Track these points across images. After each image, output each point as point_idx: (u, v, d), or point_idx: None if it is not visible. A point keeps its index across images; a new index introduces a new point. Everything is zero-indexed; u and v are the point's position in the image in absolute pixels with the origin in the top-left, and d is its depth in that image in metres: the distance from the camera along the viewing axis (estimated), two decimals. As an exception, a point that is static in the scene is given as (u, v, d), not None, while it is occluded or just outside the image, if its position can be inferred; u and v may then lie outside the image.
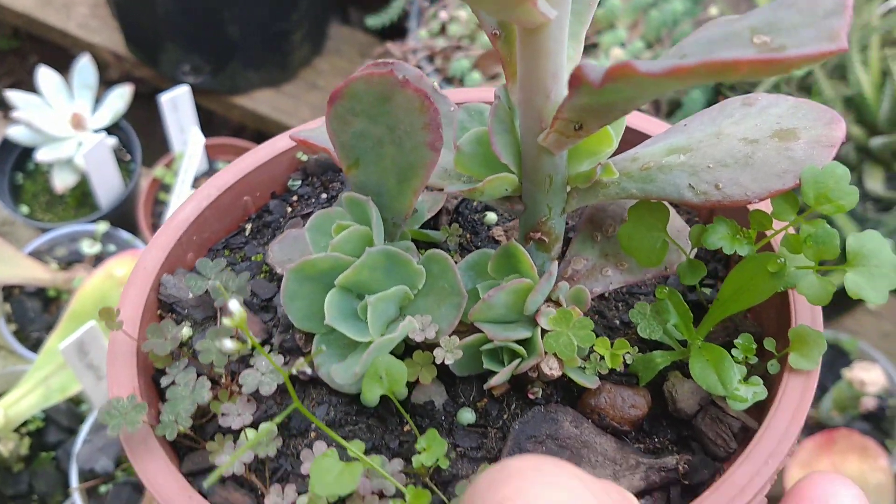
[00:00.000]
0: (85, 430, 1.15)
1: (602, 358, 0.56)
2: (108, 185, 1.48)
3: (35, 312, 1.35)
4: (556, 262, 0.54)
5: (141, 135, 1.62)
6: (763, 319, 0.61)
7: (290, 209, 0.69)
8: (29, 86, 1.55)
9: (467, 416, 0.56)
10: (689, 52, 0.40)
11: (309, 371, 0.54)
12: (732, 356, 0.53)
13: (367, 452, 0.53)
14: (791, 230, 0.52)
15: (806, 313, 0.55)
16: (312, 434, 0.55)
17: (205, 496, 0.51)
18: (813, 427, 1.43)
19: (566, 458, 0.52)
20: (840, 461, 1.32)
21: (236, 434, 0.52)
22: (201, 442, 0.54)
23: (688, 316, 0.56)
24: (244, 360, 0.58)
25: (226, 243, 0.67)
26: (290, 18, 1.76)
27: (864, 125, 1.47)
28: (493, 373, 0.55)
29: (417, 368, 0.54)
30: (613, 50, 1.47)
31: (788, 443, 0.50)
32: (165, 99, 1.46)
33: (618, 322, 0.61)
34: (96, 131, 1.55)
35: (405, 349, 0.57)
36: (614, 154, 0.56)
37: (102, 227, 1.41)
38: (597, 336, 0.55)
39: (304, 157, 0.71)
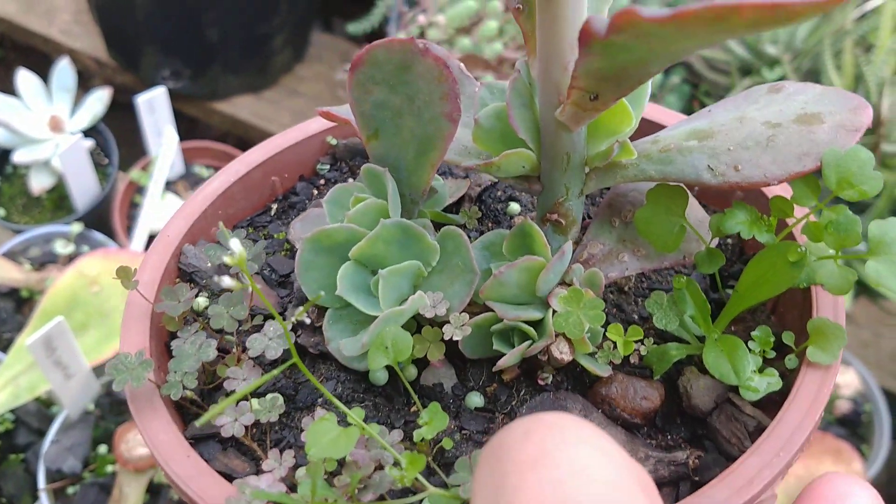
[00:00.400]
0: (53, 430, 1.14)
1: (615, 346, 0.54)
2: (84, 188, 1.48)
3: (7, 313, 1.35)
4: (571, 244, 0.53)
5: (121, 143, 1.62)
6: (787, 320, 0.59)
7: (316, 192, 0.70)
8: (10, 91, 1.56)
9: (475, 399, 0.55)
10: (698, 3, 0.40)
11: (309, 321, 0.54)
12: (749, 348, 0.52)
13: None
14: (812, 218, 0.51)
15: (828, 307, 0.53)
16: (318, 409, 0.54)
17: (206, 461, 0.51)
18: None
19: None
20: (814, 464, 1.28)
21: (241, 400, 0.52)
22: (206, 409, 0.55)
23: (706, 308, 0.54)
24: (252, 332, 0.58)
25: (250, 221, 0.68)
26: (271, 23, 1.76)
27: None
28: (502, 355, 0.54)
29: (426, 345, 0.54)
30: None
31: (802, 436, 0.48)
32: (142, 100, 1.47)
33: (636, 317, 0.60)
34: (74, 134, 1.55)
35: (417, 328, 0.57)
36: (635, 139, 0.55)
37: (77, 227, 1.42)
38: (611, 325, 0.53)
39: (334, 142, 0.72)
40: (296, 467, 0.49)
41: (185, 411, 0.54)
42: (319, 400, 0.54)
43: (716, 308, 0.58)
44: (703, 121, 0.54)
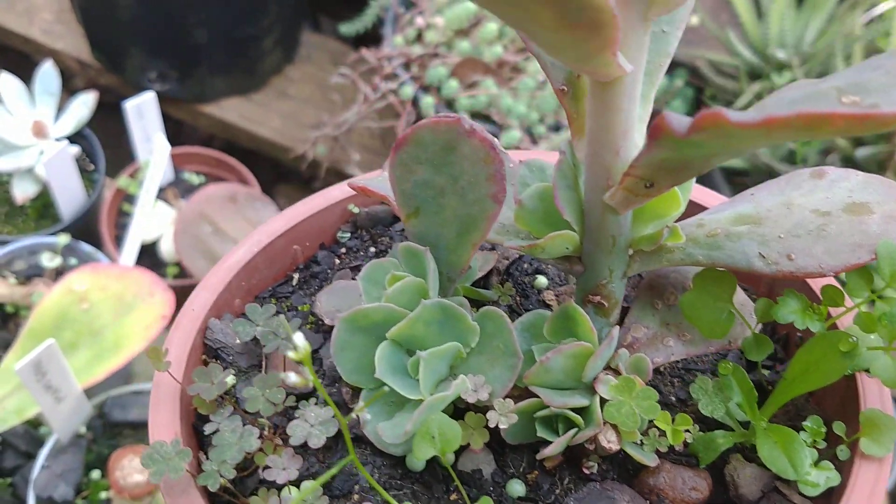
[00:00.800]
0: (43, 455, 1.09)
1: (662, 434, 0.53)
2: (70, 196, 1.43)
3: (-8, 330, 1.31)
4: (617, 328, 0.52)
5: (106, 145, 1.56)
6: (826, 404, 0.58)
7: (338, 261, 0.68)
8: None
9: (517, 488, 0.53)
10: (774, 109, 0.40)
11: (361, 416, 0.52)
12: (802, 440, 0.51)
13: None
14: (864, 308, 0.50)
15: (875, 396, 0.52)
16: (356, 497, 0.52)
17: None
18: None
19: (620, 535, 0.49)
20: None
21: (279, 489, 0.50)
22: (240, 497, 0.52)
23: (752, 395, 0.53)
24: (286, 413, 0.56)
25: (272, 291, 0.66)
26: (260, 24, 1.72)
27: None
28: (544, 442, 0.52)
29: (469, 431, 0.52)
30: None
31: (862, 533, 0.47)
32: (130, 105, 1.43)
33: (673, 399, 0.59)
34: (59, 140, 1.49)
35: (453, 411, 0.55)
36: (679, 220, 0.54)
37: (63, 239, 1.35)
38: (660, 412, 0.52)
39: (356, 210, 0.70)
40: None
41: (216, 498, 0.52)
42: (357, 487, 0.52)
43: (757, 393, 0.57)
44: (747, 205, 0.54)
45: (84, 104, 1.49)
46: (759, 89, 1.50)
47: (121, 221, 1.52)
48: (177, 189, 1.55)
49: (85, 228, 1.46)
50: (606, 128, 0.48)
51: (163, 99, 1.70)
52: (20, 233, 1.46)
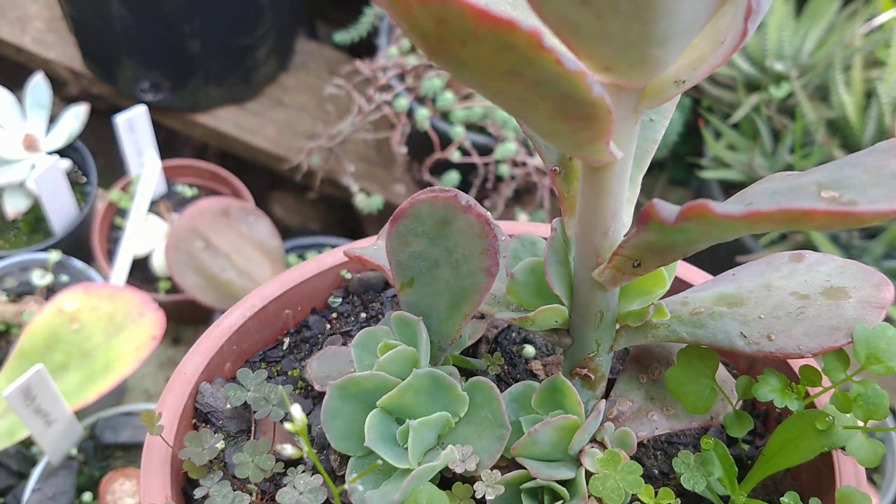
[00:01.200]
0: (34, 477, 1.08)
1: (642, 505, 0.54)
2: (61, 210, 1.42)
3: (-18, 348, 1.29)
4: (603, 401, 0.54)
5: (98, 153, 1.55)
6: (803, 479, 0.59)
7: (329, 326, 0.69)
8: None
9: (500, 558, 0.54)
10: (755, 201, 0.42)
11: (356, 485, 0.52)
12: (778, 514, 0.52)
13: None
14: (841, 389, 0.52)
15: (850, 474, 0.54)
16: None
17: None
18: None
19: None
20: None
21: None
22: (222, 560, 0.52)
23: (733, 470, 0.54)
24: (275, 480, 0.57)
25: (263, 356, 0.67)
26: (254, 33, 1.71)
27: (849, 149, 1.42)
28: (529, 512, 0.53)
29: (456, 502, 0.53)
30: None
31: None
32: (121, 120, 1.41)
33: (656, 472, 0.60)
34: (50, 153, 1.48)
35: (440, 480, 0.56)
36: (663, 297, 0.56)
37: (54, 256, 1.34)
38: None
39: (348, 276, 0.72)
40: None
41: (201, 567, 0.52)
42: (343, 557, 0.52)
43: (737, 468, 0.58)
44: (730, 285, 0.56)
45: (76, 117, 1.48)
46: (757, 101, 1.50)
47: (113, 235, 1.51)
48: (169, 202, 1.54)
49: (77, 242, 1.45)
50: (596, 209, 0.50)
51: (156, 109, 1.70)
52: (12, 247, 1.44)
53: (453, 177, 1.45)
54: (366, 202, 1.50)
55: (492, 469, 0.53)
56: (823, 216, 0.36)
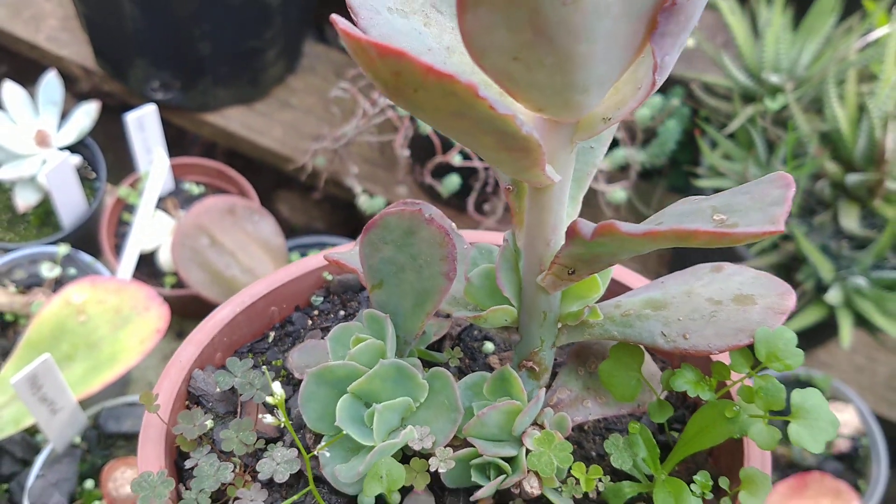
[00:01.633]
0: (38, 464, 1.12)
1: (577, 482, 0.62)
2: (71, 205, 1.46)
3: (-9, 338, 1.33)
4: (544, 390, 0.62)
5: (108, 149, 1.58)
6: (722, 462, 0.68)
7: (310, 322, 0.77)
8: None
9: (452, 524, 0.62)
10: (664, 220, 0.50)
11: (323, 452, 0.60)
12: (691, 490, 0.60)
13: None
14: (747, 382, 0.60)
15: (757, 458, 0.62)
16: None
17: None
18: (785, 467, 1.40)
19: (538, 568, 0.58)
20: (812, 506, 1.30)
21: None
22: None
23: (655, 451, 0.63)
24: (256, 455, 0.65)
25: (250, 347, 0.75)
26: (263, 36, 1.74)
27: (840, 162, 1.43)
28: (478, 486, 0.61)
29: (413, 474, 0.61)
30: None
31: (737, 571, 0.56)
32: (132, 118, 1.44)
33: (594, 454, 0.68)
34: (61, 149, 1.51)
35: (403, 457, 0.64)
36: (601, 300, 0.65)
37: (63, 249, 1.38)
38: (574, 462, 0.62)
39: (329, 277, 0.80)
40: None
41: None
42: (314, 520, 0.61)
43: (662, 449, 0.67)
44: (657, 291, 0.64)
45: (87, 114, 1.51)
46: (753, 112, 1.53)
47: (120, 230, 1.54)
48: (177, 199, 1.57)
49: (85, 237, 1.49)
50: (540, 223, 0.58)
51: (166, 107, 1.75)
52: (22, 240, 1.48)
53: (454, 180, 1.48)
54: (368, 203, 1.55)
55: (445, 447, 0.61)
56: (706, 235, 0.45)
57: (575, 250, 0.53)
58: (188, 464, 0.60)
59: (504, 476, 0.60)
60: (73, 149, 1.54)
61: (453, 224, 0.71)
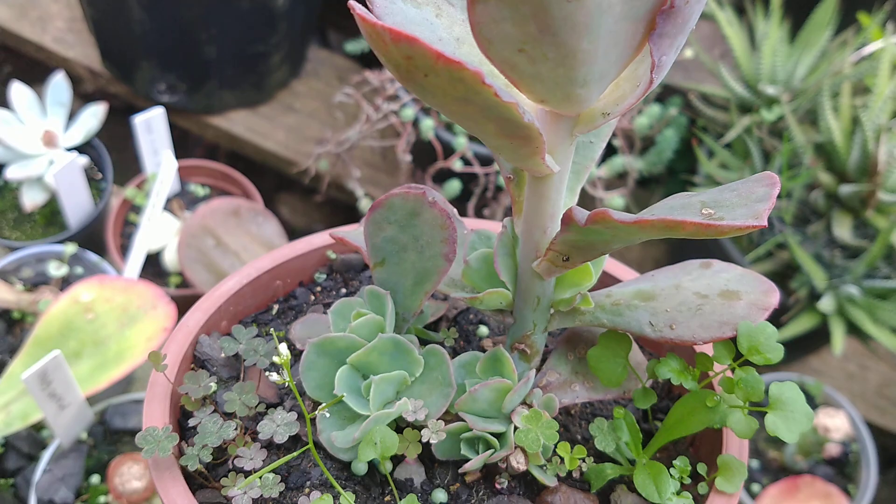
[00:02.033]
0: (45, 459, 1.13)
1: (562, 461, 0.65)
2: (77, 205, 1.46)
3: (-1, 335, 1.33)
4: (534, 372, 0.65)
5: (114, 150, 1.58)
6: (702, 450, 0.70)
7: (313, 297, 0.80)
8: (1, 97, 1.52)
9: (440, 496, 0.64)
10: (656, 212, 0.53)
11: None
12: (670, 474, 0.63)
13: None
14: (728, 374, 0.63)
15: (735, 446, 0.65)
16: (307, 490, 0.63)
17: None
18: (777, 471, 1.43)
19: (519, 538, 0.61)
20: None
21: (246, 475, 0.61)
22: (211, 481, 0.63)
23: (638, 436, 0.66)
24: (256, 418, 0.67)
25: (255, 318, 0.78)
26: (268, 41, 1.76)
27: (834, 172, 1.46)
28: (467, 459, 0.64)
29: (406, 444, 0.64)
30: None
31: (708, 551, 0.59)
32: (139, 120, 1.45)
33: (579, 437, 0.71)
34: (68, 149, 1.52)
35: (395, 428, 0.67)
36: (594, 289, 0.67)
37: (70, 248, 1.39)
38: (560, 442, 0.64)
39: (333, 256, 0.82)
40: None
41: (191, 480, 0.63)
42: (308, 482, 0.63)
43: (645, 436, 0.70)
44: (647, 284, 0.67)
45: (94, 116, 1.53)
46: (749, 122, 1.55)
47: (126, 231, 1.56)
48: (182, 200, 1.59)
49: (91, 237, 1.51)
50: (538, 211, 0.61)
51: (171, 109, 1.76)
52: (28, 239, 1.49)
53: (455, 185, 1.51)
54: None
55: (437, 420, 0.64)
56: (692, 226, 0.47)
57: (569, 237, 0.55)
58: (192, 422, 0.63)
59: (492, 451, 0.63)
60: (79, 149, 1.55)
61: (455, 209, 0.74)
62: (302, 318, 0.75)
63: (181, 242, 1.42)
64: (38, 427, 1.23)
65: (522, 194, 0.66)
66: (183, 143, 1.99)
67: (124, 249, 1.52)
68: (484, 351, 0.76)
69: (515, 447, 0.63)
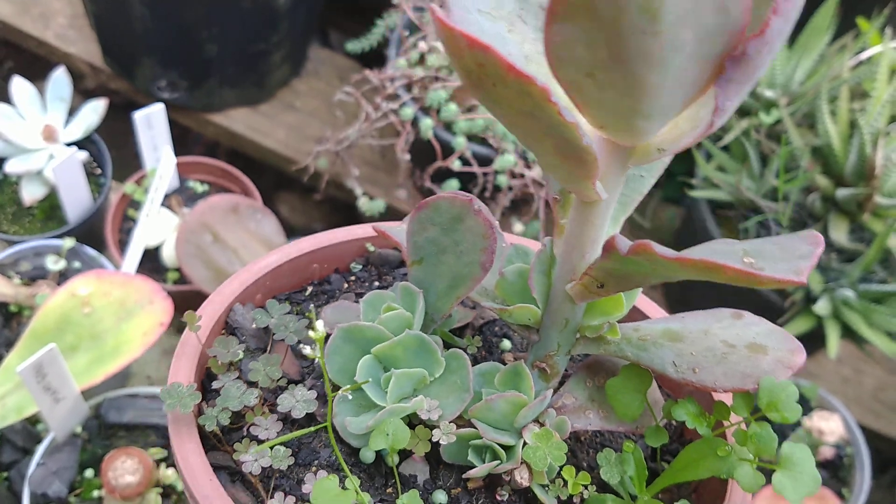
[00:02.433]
0: (40, 452, 1.12)
1: (565, 484, 0.66)
2: (76, 200, 1.45)
3: (-5, 328, 1.31)
4: (551, 392, 0.65)
5: (114, 146, 1.57)
6: (704, 500, 0.70)
7: (346, 285, 0.81)
8: (2, 92, 1.51)
9: (441, 497, 0.65)
10: (696, 252, 0.54)
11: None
12: (671, 515, 0.63)
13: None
14: (743, 426, 0.63)
15: (738, 498, 0.65)
16: (313, 468, 0.65)
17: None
18: (770, 473, 1.43)
19: (511, 552, 0.61)
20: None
21: (259, 444, 0.63)
22: (224, 444, 0.65)
23: (644, 473, 0.66)
24: (276, 392, 0.69)
25: (288, 296, 0.79)
26: (269, 40, 1.75)
27: (831, 176, 1.47)
28: (472, 466, 0.65)
29: (416, 440, 0.65)
30: None
31: None
32: (139, 116, 1.45)
33: (585, 464, 0.71)
34: (68, 144, 1.51)
35: (409, 424, 0.68)
36: (622, 321, 0.68)
37: (68, 243, 1.37)
38: (566, 466, 0.65)
39: (371, 249, 0.84)
40: (293, 512, 0.59)
41: (205, 440, 0.64)
42: (316, 462, 0.65)
43: (651, 474, 0.70)
44: (677, 324, 0.68)
45: (94, 111, 1.52)
46: (747, 125, 1.56)
47: (125, 226, 1.55)
48: (181, 197, 1.59)
49: (90, 231, 1.50)
50: (580, 235, 0.62)
51: (171, 106, 1.75)
52: (27, 233, 1.48)
53: (453, 185, 1.50)
54: (368, 205, 1.57)
55: (450, 423, 0.65)
56: (733, 272, 0.48)
57: (608, 264, 0.56)
58: (215, 384, 0.65)
59: (498, 462, 0.64)
60: (79, 145, 1.55)
61: (496, 222, 0.75)
62: (333, 303, 0.76)
63: (179, 238, 1.42)
64: (34, 420, 1.21)
65: (566, 216, 0.66)
66: (183, 141, 2.00)
67: (123, 245, 1.51)
68: (504, 364, 0.77)
69: (522, 462, 0.64)
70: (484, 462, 0.65)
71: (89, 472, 1.13)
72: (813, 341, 1.47)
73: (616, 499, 0.66)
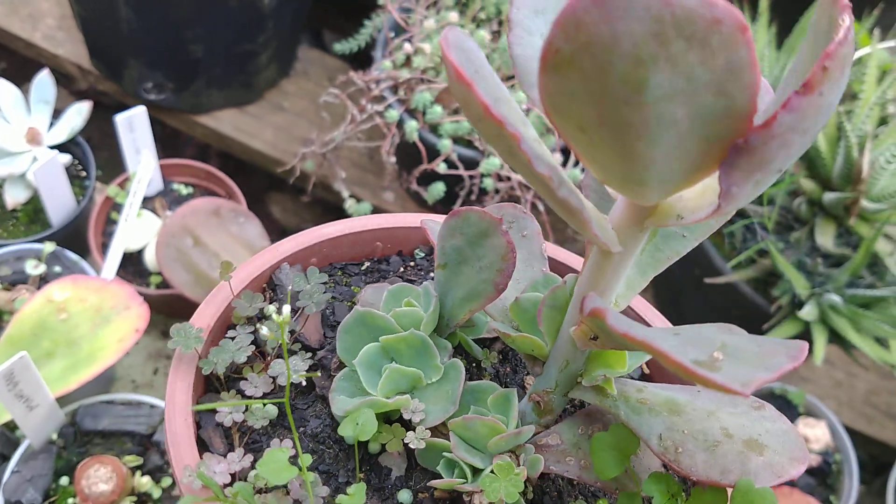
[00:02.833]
0: (15, 459, 1.09)
1: (524, 521, 0.65)
2: (59, 203, 1.43)
3: (-26, 332, 1.30)
4: (533, 428, 0.64)
5: (103, 148, 1.56)
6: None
7: (403, 269, 0.84)
8: None
9: (405, 496, 0.67)
10: (641, 334, 0.50)
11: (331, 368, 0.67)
12: (619, 586, 0.61)
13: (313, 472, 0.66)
14: (719, 521, 0.59)
15: None
16: (291, 436, 0.69)
17: (197, 424, 0.66)
18: None
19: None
20: (780, 521, 1.29)
21: (246, 399, 0.67)
22: (224, 391, 0.70)
23: (612, 535, 0.64)
24: (292, 353, 0.73)
25: (343, 266, 0.83)
26: (256, 40, 1.73)
27: (818, 180, 1.46)
28: (441, 476, 0.66)
29: (390, 436, 0.67)
30: None
31: None
32: (121, 119, 1.42)
33: (555, 508, 0.70)
34: (52, 147, 1.49)
35: (394, 419, 0.70)
36: (643, 379, 0.65)
37: (49, 247, 1.35)
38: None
39: (435, 241, 0.85)
40: (250, 469, 0.63)
41: (209, 381, 0.70)
42: (301, 430, 0.68)
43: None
44: (685, 396, 0.64)
45: (78, 113, 1.51)
46: None
47: (109, 229, 1.54)
48: (165, 199, 1.58)
49: (74, 235, 1.47)
50: (592, 282, 0.60)
51: (159, 108, 1.77)
52: (10, 237, 1.46)
53: (439, 188, 1.47)
54: (355, 208, 1.56)
55: (430, 429, 0.66)
56: (674, 364, 0.45)
57: (590, 321, 0.54)
58: (229, 333, 0.70)
59: (463, 481, 0.64)
60: (64, 147, 1.55)
61: (546, 244, 0.73)
62: (378, 284, 0.79)
63: (160, 242, 1.40)
64: (13, 427, 1.19)
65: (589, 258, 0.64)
66: (175, 142, 1.99)
67: (106, 248, 1.47)
68: (524, 388, 0.77)
69: (481, 489, 0.64)
70: (452, 476, 0.65)
71: (64, 480, 1.11)
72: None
73: (576, 552, 0.64)
